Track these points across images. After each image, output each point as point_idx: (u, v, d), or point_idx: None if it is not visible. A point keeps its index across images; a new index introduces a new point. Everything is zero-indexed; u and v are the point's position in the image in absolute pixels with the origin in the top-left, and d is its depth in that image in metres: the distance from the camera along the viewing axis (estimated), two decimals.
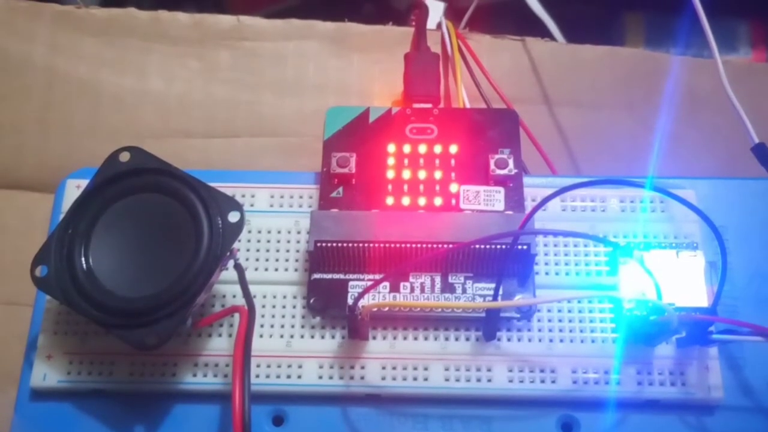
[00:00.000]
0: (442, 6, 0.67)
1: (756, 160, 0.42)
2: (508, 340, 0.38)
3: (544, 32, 0.66)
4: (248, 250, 0.40)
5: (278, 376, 0.37)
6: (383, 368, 0.37)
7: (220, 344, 0.38)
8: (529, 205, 0.40)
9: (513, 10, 0.70)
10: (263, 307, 0.38)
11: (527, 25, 0.67)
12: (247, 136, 0.53)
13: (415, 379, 0.37)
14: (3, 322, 0.47)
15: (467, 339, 0.38)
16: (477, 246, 0.37)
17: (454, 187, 0.40)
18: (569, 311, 0.38)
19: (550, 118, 0.53)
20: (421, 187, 0.40)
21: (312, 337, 0.38)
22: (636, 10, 0.77)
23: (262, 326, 0.38)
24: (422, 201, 0.40)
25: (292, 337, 0.38)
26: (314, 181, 0.41)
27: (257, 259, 0.40)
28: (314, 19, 0.56)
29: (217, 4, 0.77)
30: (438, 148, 0.41)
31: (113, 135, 0.52)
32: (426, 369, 0.37)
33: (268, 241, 0.40)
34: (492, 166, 0.40)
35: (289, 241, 0.40)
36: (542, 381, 0.37)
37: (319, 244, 0.37)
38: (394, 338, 0.38)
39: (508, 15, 0.73)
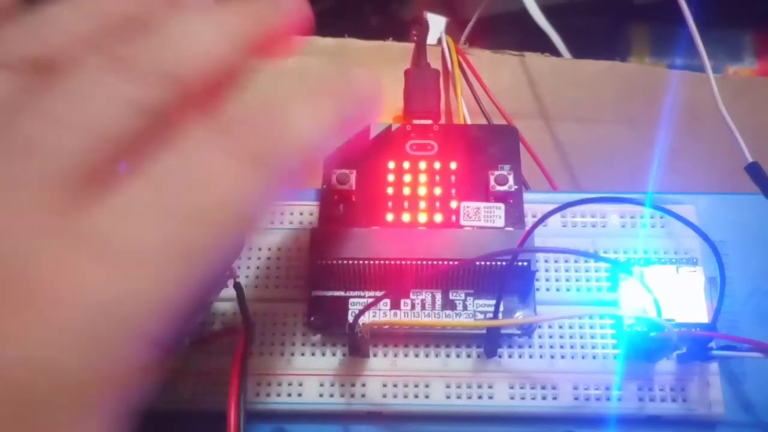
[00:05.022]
0: (443, 21, 0.68)
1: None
2: (510, 356, 0.38)
3: (547, 44, 0.66)
4: (248, 267, 0.40)
5: (278, 395, 0.37)
6: (384, 386, 0.37)
7: (219, 363, 0.37)
8: (529, 221, 0.40)
9: (516, 22, 0.70)
10: (263, 324, 0.38)
11: (530, 38, 0.67)
12: None
13: (416, 396, 0.37)
14: None
15: (468, 356, 0.38)
16: (477, 263, 0.37)
17: (454, 204, 0.40)
18: (570, 327, 0.38)
19: (551, 133, 0.53)
20: (422, 203, 0.40)
21: (312, 354, 0.38)
22: (642, 21, 0.77)
23: (262, 344, 0.38)
24: (422, 217, 0.39)
25: (292, 354, 0.38)
26: (314, 198, 0.41)
27: (257, 276, 0.39)
28: (321, 30, 0.56)
29: None
30: (438, 165, 0.41)
31: None
32: (427, 386, 0.37)
33: (268, 258, 0.40)
34: (492, 182, 0.40)
35: (289, 258, 0.40)
36: (544, 398, 0.37)
37: (319, 262, 0.37)
38: (395, 355, 0.38)
39: (511, 28, 0.73)
